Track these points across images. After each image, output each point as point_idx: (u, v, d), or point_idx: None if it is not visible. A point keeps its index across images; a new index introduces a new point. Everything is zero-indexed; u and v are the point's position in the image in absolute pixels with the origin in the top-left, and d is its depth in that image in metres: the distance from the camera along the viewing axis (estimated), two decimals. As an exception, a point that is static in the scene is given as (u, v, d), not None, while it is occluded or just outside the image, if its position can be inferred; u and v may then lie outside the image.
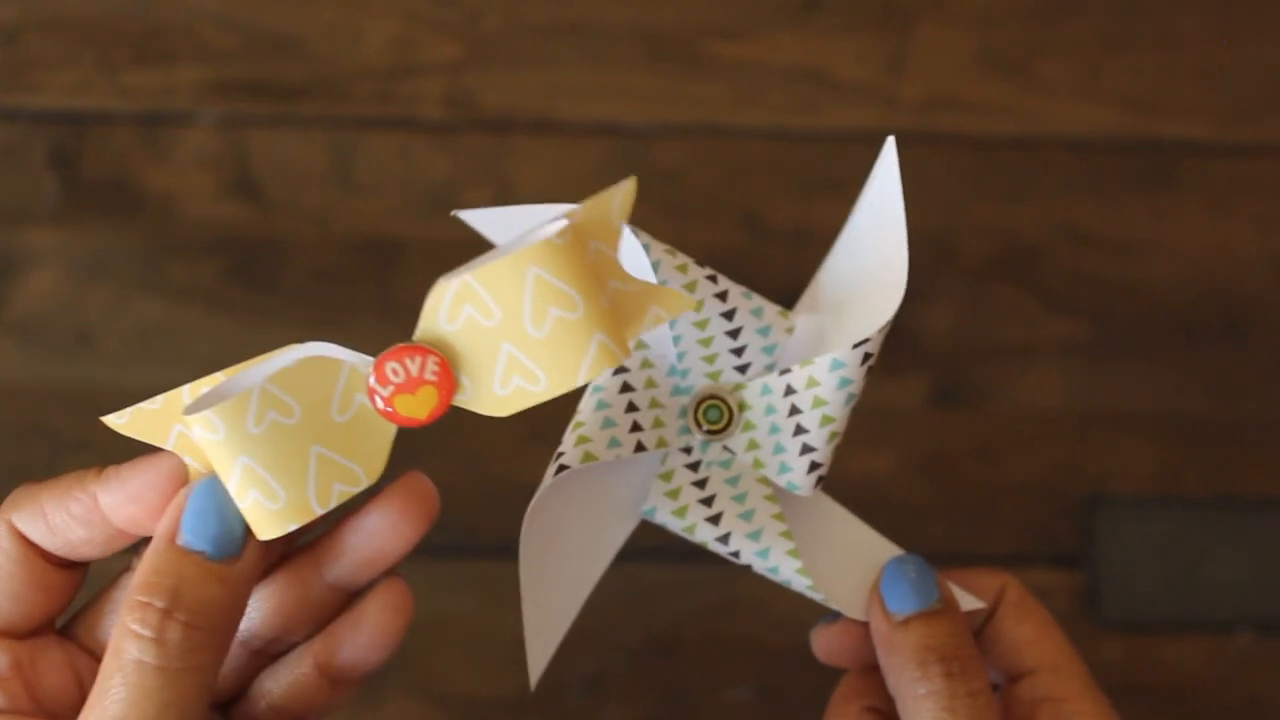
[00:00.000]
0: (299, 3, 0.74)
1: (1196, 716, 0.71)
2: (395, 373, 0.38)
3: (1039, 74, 0.76)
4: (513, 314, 0.38)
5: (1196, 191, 0.75)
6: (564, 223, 0.38)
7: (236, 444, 0.38)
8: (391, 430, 0.39)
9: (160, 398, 0.40)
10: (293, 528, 0.38)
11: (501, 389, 0.38)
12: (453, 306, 0.38)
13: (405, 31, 0.74)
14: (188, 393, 0.40)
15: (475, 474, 0.71)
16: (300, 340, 0.40)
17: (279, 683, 0.43)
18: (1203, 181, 0.75)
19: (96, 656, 0.42)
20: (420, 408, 0.39)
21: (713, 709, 0.70)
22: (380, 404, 0.39)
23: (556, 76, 0.75)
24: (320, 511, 0.39)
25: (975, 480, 0.72)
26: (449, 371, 0.38)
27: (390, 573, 0.42)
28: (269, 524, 0.38)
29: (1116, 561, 0.72)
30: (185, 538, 0.38)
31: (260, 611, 0.43)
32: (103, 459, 0.39)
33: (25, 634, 0.41)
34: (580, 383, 0.38)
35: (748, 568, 0.46)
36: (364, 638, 0.42)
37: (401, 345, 0.39)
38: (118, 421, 0.40)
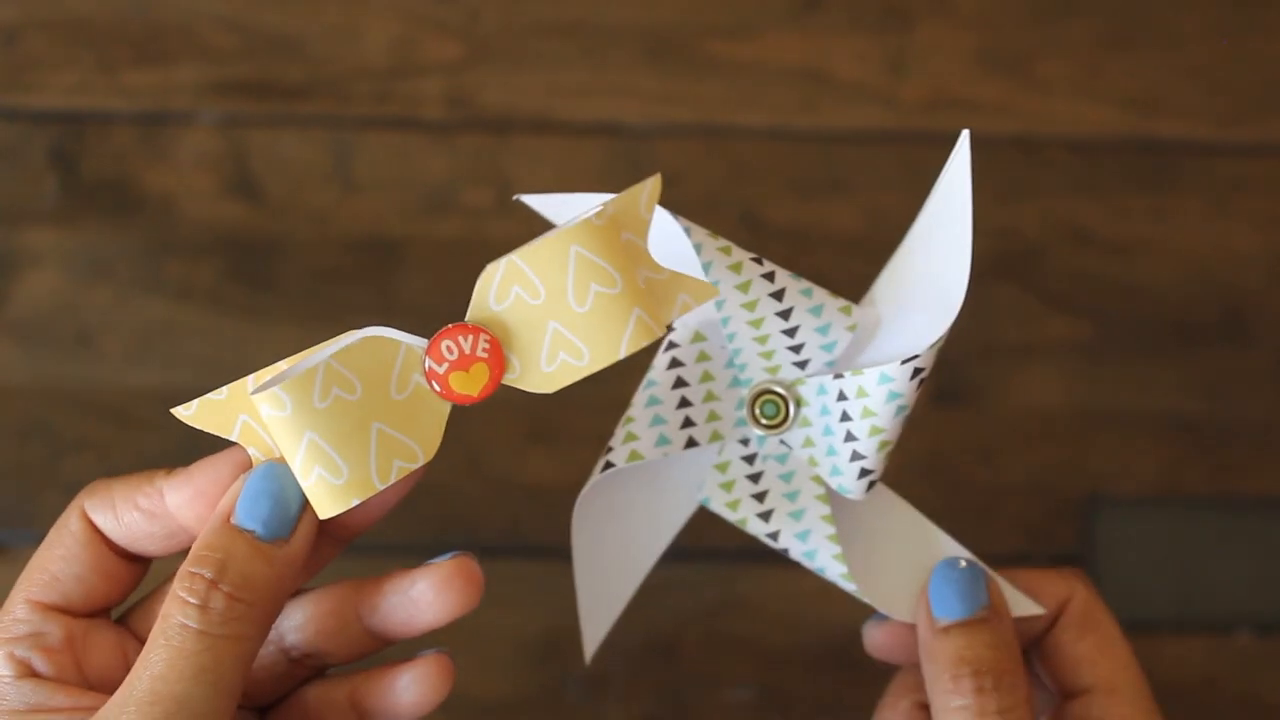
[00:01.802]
0: (299, 3, 0.74)
1: (1196, 716, 0.71)
2: (450, 350, 0.40)
3: (1039, 74, 0.76)
4: (557, 291, 0.40)
5: (1196, 191, 0.75)
6: (599, 206, 0.40)
7: (303, 419, 0.39)
8: (446, 409, 0.41)
9: (225, 388, 0.41)
10: (355, 503, 0.40)
11: (548, 365, 0.40)
12: (501, 287, 0.40)
13: (405, 31, 0.74)
14: (252, 381, 0.41)
15: (475, 474, 0.71)
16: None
17: (316, 700, 0.45)
18: (1203, 181, 0.75)
19: (144, 640, 0.44)
20: (473, 384, 0.40)
21: (712, 709, 0.70)
22: (435, 382, 0.40)
23: (556, 76, 0.75)
24: (380, 487, 0.40)
25: (975, 480, 0.72)
26: (499, 349, 0.40)
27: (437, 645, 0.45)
28: (332, 500, 0.40)
29: (1116, 561, 0.72)
30: (238, 517, 0.40)
31: (301, 629, 0.44)
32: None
33: (82, 614, 0.43)
34: (622, 355, 0.40)
35: (798, 564, 0.46)
36: (399, 702, 0.44)
37: (455, 325, 0.40)
38: (185, 413, 0.41)
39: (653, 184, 0.41)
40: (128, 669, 0.42)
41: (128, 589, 0.44)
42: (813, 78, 0.75)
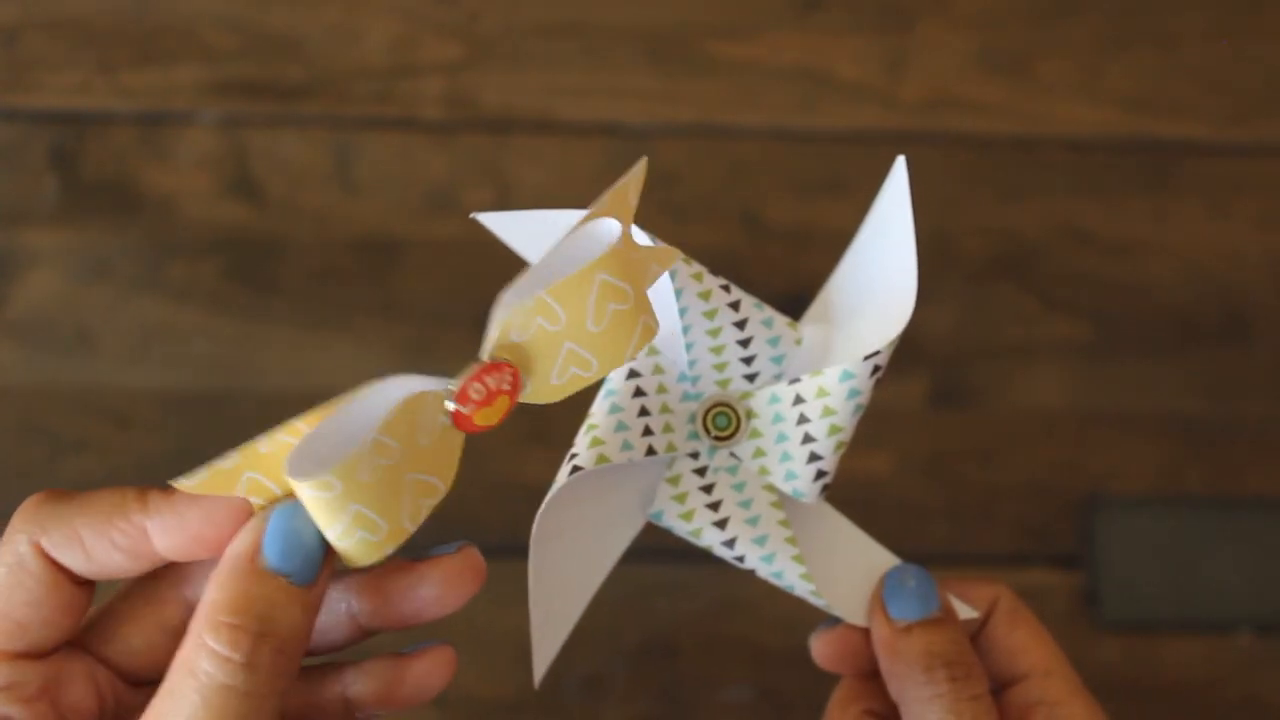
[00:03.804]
0: (299, 3, 0.74)
1: (1196, 716, 0.71)
2: (477, 392, 0.40)
3: (1039, 74, 0.76)
4: (577, 316, 0.40)
5: (1196, 191, 0.75)
6: (615, 223, 0.41)
7: (350, 495, 0.38)
8: (461, 438, 0.41)
9: (234, 454, 0.39)
10: (391, 552, 0.39)
11: (557, 379, 0.41)
12: (524, 320, 0.40)
13: (405, 31, 0.74)
14: (265, 442, 0.39)
15: (475, 474, 0.71)
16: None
17: (303, 696, 0.44)
18: (1202, 181, 0.75)
19: (112, 666, 0.42)
20: (494, 415, 0.41)
21: (711, 709, 0.70)
22: (464, 423, 0.40)
23: (556, 76, 0.75)
24: (413, 529, 0.40)
25: (975, 480, 0.72)
26: (519, 379, 0.41)
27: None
28: (370, 554, 0.39)
29: (1116, 561, 0.72)
30: (271, 561, 0.38)
31: None
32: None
33: (49, 654, 0.41)
34: (626, 361, 0.41)
35: (751, 572, 0.46)
36: (402, 694, 0.43)
37: (481, 367, 0.40)
38: (188, 483, 0.39)
39: (639, 169, 0.42)
40: (100, 700, 0.41)
41: (85, 611, 0.42)
42: (812, 78, 0.75)
